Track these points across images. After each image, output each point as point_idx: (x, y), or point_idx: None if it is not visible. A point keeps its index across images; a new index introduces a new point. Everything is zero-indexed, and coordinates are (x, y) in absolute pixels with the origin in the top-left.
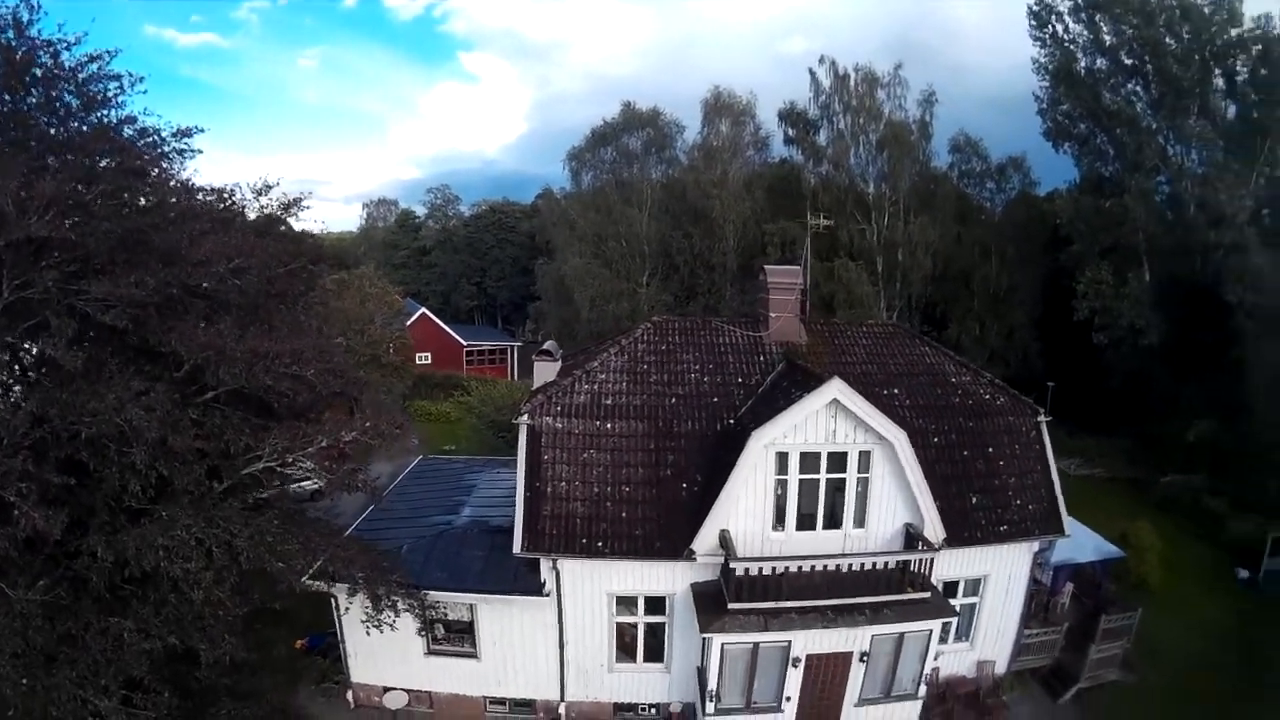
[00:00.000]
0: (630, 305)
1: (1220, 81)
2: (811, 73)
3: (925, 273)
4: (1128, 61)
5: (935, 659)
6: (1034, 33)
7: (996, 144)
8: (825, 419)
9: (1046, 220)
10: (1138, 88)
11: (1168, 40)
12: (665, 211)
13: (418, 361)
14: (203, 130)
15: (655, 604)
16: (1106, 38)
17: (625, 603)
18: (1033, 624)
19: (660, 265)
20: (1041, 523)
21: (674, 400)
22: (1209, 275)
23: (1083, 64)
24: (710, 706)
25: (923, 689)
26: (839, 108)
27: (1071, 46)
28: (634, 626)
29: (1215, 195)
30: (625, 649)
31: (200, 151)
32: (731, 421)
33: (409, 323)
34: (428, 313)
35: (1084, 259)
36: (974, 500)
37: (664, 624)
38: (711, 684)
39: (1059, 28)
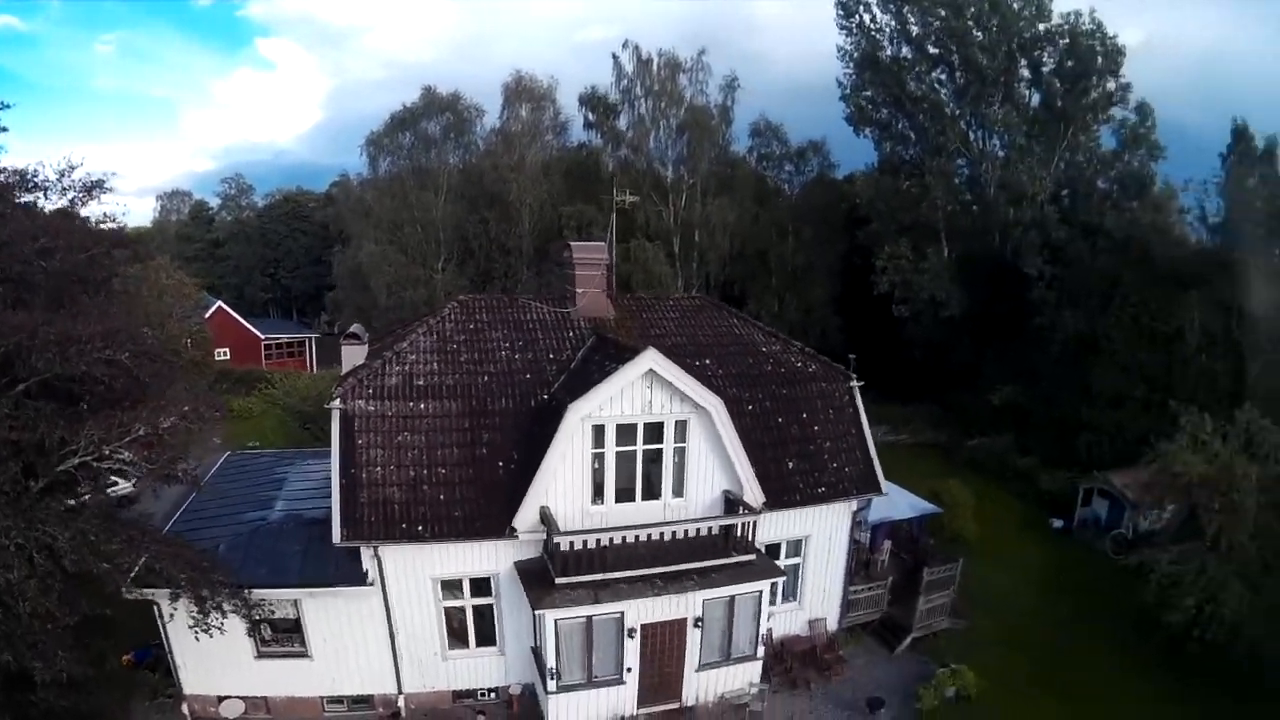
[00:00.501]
0: (427, 291)
1: (1026, 72)
2: (615, 58)
3: (723, 252)
4: (933, 51)
5: (768, 620)
6: (841, 21)
7: (795, 130)
8: (641, 390)
9: (845, 201)
10: (942, 76)
11: (975, 32)
12: (462, 197)
13: (216, 357)
14: (7, 106)
15: (480, 585)
16: (914, 28)
17: (450, 586)
18: (856, 581)
19: (456, 250)
20: (859, 483)
21: (486, 378)
22: (1009, 251)
23: (888, 52)
24: (551, 684)
25: (760, 649)
26: (641, 92)
27: (878, 35)
28: (462, 610)
29: (1018, 177)
30: (457, 634)
31: (5, 129)
32: (545, 397)
33: (206, 316)
34: (224, 306)
35: (883, 236)
36: (791, 464)
37: (492, 605)
38: (550, 661)
39: (866, 17)
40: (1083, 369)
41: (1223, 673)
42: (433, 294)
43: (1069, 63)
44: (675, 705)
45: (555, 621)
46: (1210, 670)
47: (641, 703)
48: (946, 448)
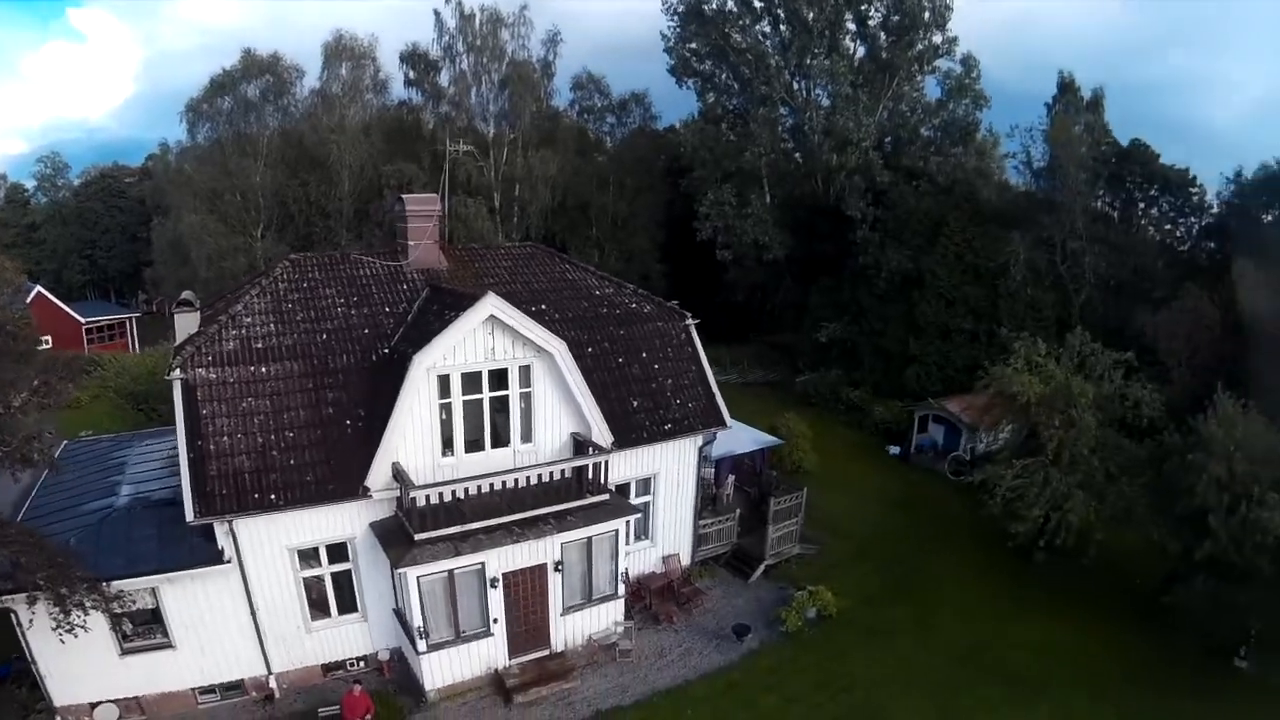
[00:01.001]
0: (247, 260)
1: (852, 25)
2: (436, 14)
3: (545, 205)
4: (759, 4)
5: (625, 559)
6: None
7: (620, 84)
8: (483, 336)
9: (667, 151)
10: (767, 27)
11: None
12: (282, 161)
13: (41, 346)
14: None
15: (337, 551)
16: None
17: (307, 556)
18: (705, 516)
19: (276, 216)
20: (703, 417)
21: (325, 336)
22: (832, 195)
23: (714, 4)
24: (421, 644)
25: (621, 588)
26: (463, 48)
27: None
28: (321, 580)
29: (843, 124)
30: (318, 605)
31: None
32: (386, 351)
33: (27, 303)
34: (43, 291)
35: (706, 184)
36: (635, 404)
37: (350, 571)
38: (416, 620)
39: None
40: (909, 304)
41: (1069, 577)
42: (253, 262)
43: (895, 17)
44: (545, 652)
45: (417, 579)
46: (1056, 577)
47: (512, 653)
48: (776, 385)
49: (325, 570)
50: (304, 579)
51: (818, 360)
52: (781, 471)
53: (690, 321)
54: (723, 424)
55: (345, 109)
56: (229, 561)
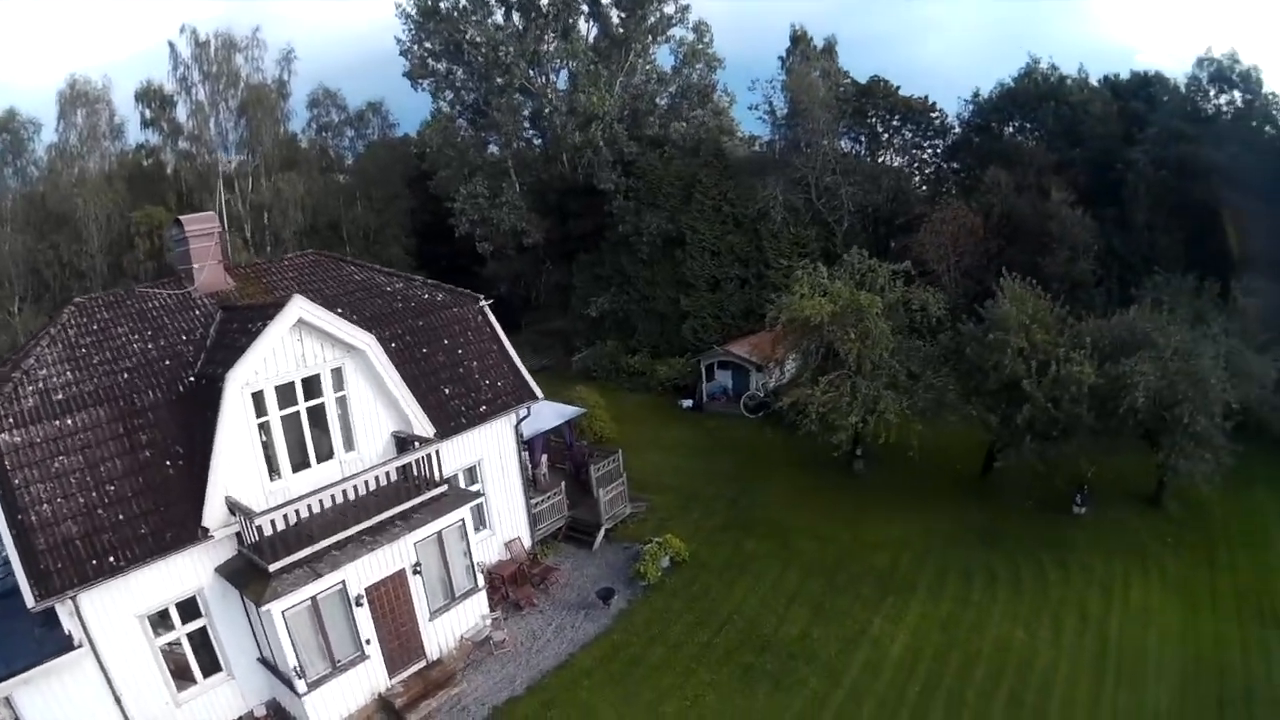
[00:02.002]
0: (9, 337)
1: (585, 6)
2: (171, 45)
3: (298, 227)
4: None
5: (480, 563)
6: None
7: (353, 96)
8: (293, 343)
9: (412, 156)
10: (500, 19)
11: None
12: (29, 224)
13: None
14: None
15: (188, 609)
16: None
17: (159, 621)
18: (532, 494)
19: (32, 286)
20: (515, 394)
21: (126, 375)
22: (580, 173)
23: (447, 2)
24: (300, 685)
25: (480, 579)
26: (199, 77)
27: None
28: (179, 643)
29: (587, 101)
30: (181, 674)
31: None
32: (192, 379)
33: None
34: None
35: (454, 182)
36: (448, 391)
37: (205, 628)
38: (289, 660)
39: None
40: (674, 263)
41: (894, 477)
42: (14, 339)
43: None
44: (423, 662)
45: (283, 613)
46: (881, 480)
47: (392, 671)
48: (555, 369)
49: (180, 632)
50: (161, 647)
51: (592, 335)
52: (585, 440)
53: (484, 303)
54: (534, 397)
55: (85, 159)
56: (80, 646)
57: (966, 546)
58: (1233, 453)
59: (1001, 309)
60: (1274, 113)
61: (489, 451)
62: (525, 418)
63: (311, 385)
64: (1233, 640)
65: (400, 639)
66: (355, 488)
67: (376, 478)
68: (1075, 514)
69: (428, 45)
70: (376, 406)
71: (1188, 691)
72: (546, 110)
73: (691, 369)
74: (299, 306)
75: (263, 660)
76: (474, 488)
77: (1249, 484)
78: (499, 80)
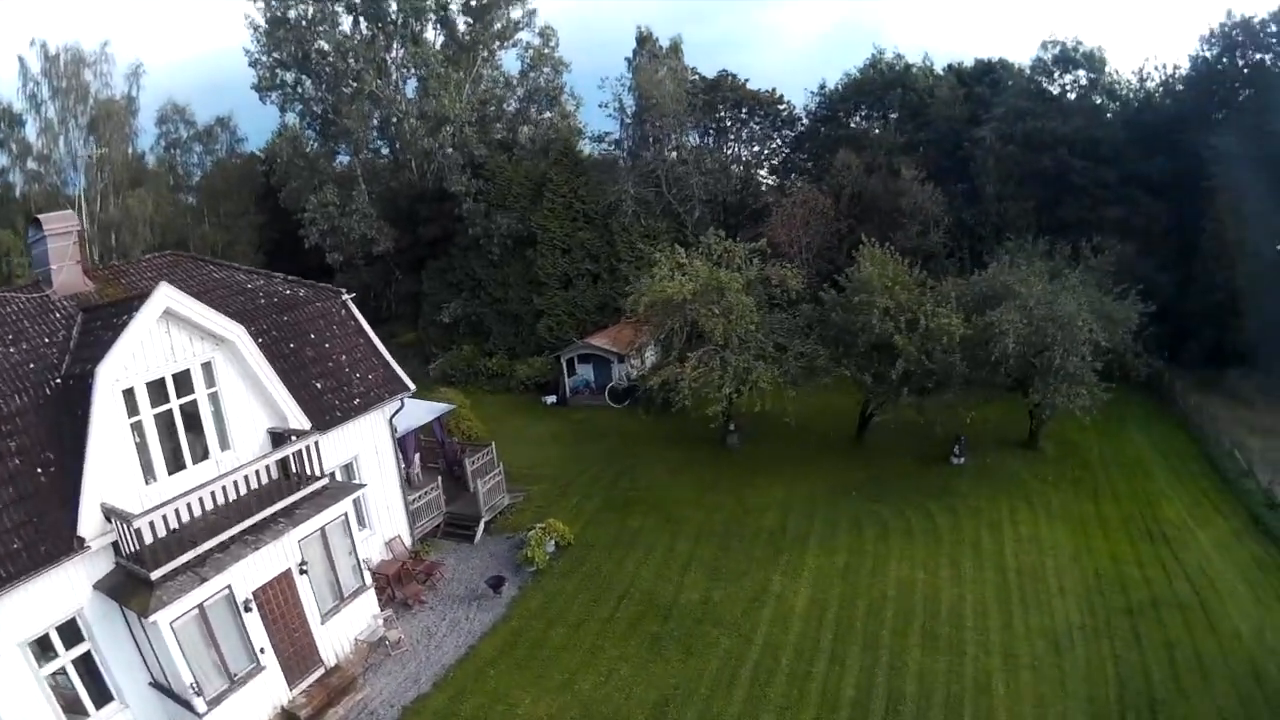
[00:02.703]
0: None
1: (433, 14)
2: (21, 60)
3: (148, 246)
4: (337, 8)
5: (366, 560)
6: None
7: (204, 114)
8: (161, 335)
9: (257, 173)
10: (347, 28)
11: None
12: None
13: None
14: None
15: (70, 632)
16: None
17: (43, 648)
18: (408, 492)
19: None
20: (387, 386)
21: None
22: (430, 178)
23: (295, 12)
24: (200, 704)
25: (367, 576)
26: (48, 93)
27: None
28: (66, 675)
29: (437, 105)
30: (74, 708)
31: None
32: (59, 380)
33: None
34: None
35: (303, 192)
36: (319, 385)
37: (90, 652)
38: (184, 677)
39: None
40: (526, 263)
41: (773, 444)
42: None
43: (474, 1)
44: (321, 669)
45: (171, 624)
46: (759, 451)
47: (291, 681)
48: (412, 378)
49: (65, 659)
50: (48, 679)
51: (447, 342)
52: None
53: (347, 297)
54: (406, 388)
55: None
56: None
57: (852, 501)
58: (1105, 389)
59: (864, 272)
60: (1116, 88)
61: (365, 447)
62: (400, 409)
63: (183, 381)
64: (1129, 558)
65: (294, 645)
66: (235, 483)
67: (256, 473)
68: (955, 464)
69: (276, 55)
70: (250, 402)
71: (1095, 605)
72: (395, 119)
73: (552, 366)
74: (166, 295)
75: (155, 684)
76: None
77: (1121, 424)
78: (347, 89)
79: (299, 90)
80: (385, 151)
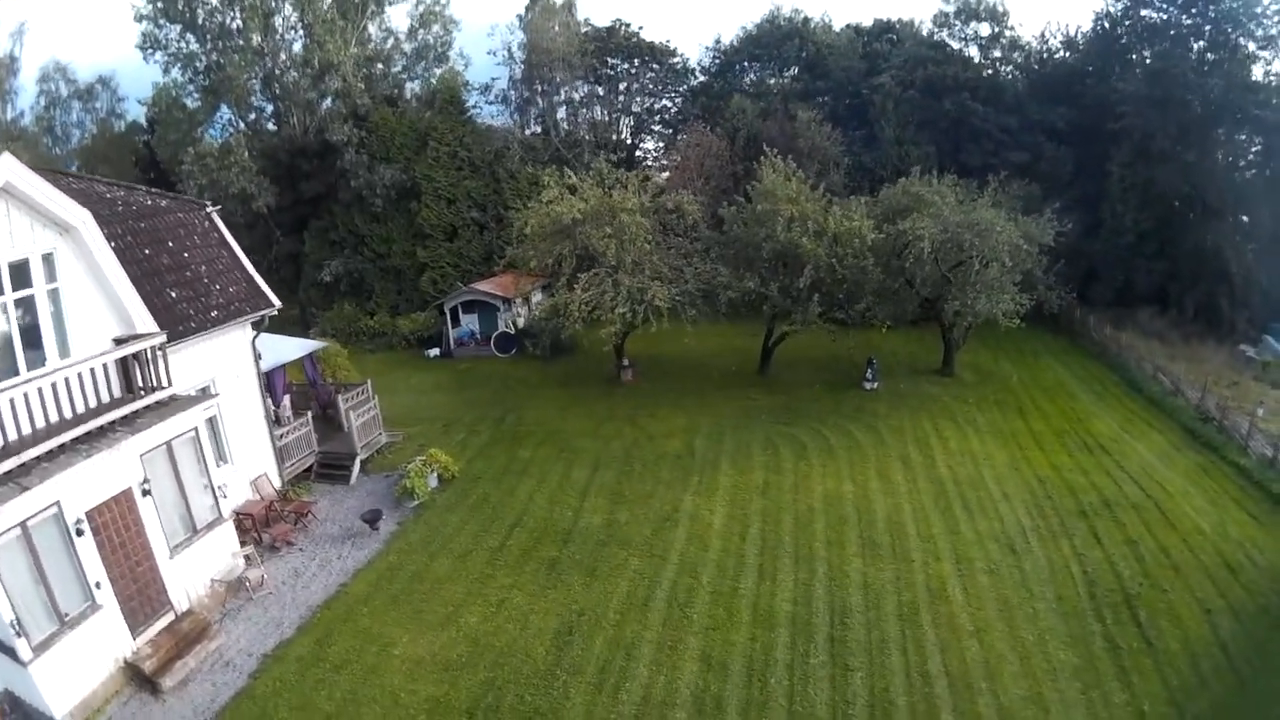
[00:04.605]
0: None
1: None
2: None
3: None
4: None
5: (221, 486)
6: None
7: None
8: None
9: (138, 135)
10: None
11: None
12: None
13: None
14: None
15: None
16: None
17: None
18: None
19: None
20: (249, 300)
21: None
22: (312, 130)
23: None
24: (24, 649)
25: (225, 507)
26: None
27: None
28: None
29: (324, 53)
30: None
31: None
32: None
33: None
34: None
35: (182, 144)
36: (174, 294)
37: None
38: (6, 613)
39: None
40: (409, 215)
41: (670, 380)
42: None
43: None
44: (171, 615)
45: None
46: (656, 388)
47: (134, 627)
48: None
49: None
50: None
51: (328, 303)
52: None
53: (211, 210)
54: (270, 305)
55: None
56: None
57: (764, 425)
58: (1020, 306)
59: (766, 182)
60: (1018, 39)
61: (224, 370)
62: (263, 327)
63: (20, 273)
64: (1070, 467)
65: (138, 583)
66: (67, 382)
67: (93, 374)
68: (868, 389)
69: (160, 4)
70: (95, 304)
71: (1045, 509)
72: (279, 73)
73: (435, 319)
74: (7, 167)
75: None
76: (209, 412)
77: (1035, 356)
78: (231, 43)
79: (182, 48)
80: (269, 109)
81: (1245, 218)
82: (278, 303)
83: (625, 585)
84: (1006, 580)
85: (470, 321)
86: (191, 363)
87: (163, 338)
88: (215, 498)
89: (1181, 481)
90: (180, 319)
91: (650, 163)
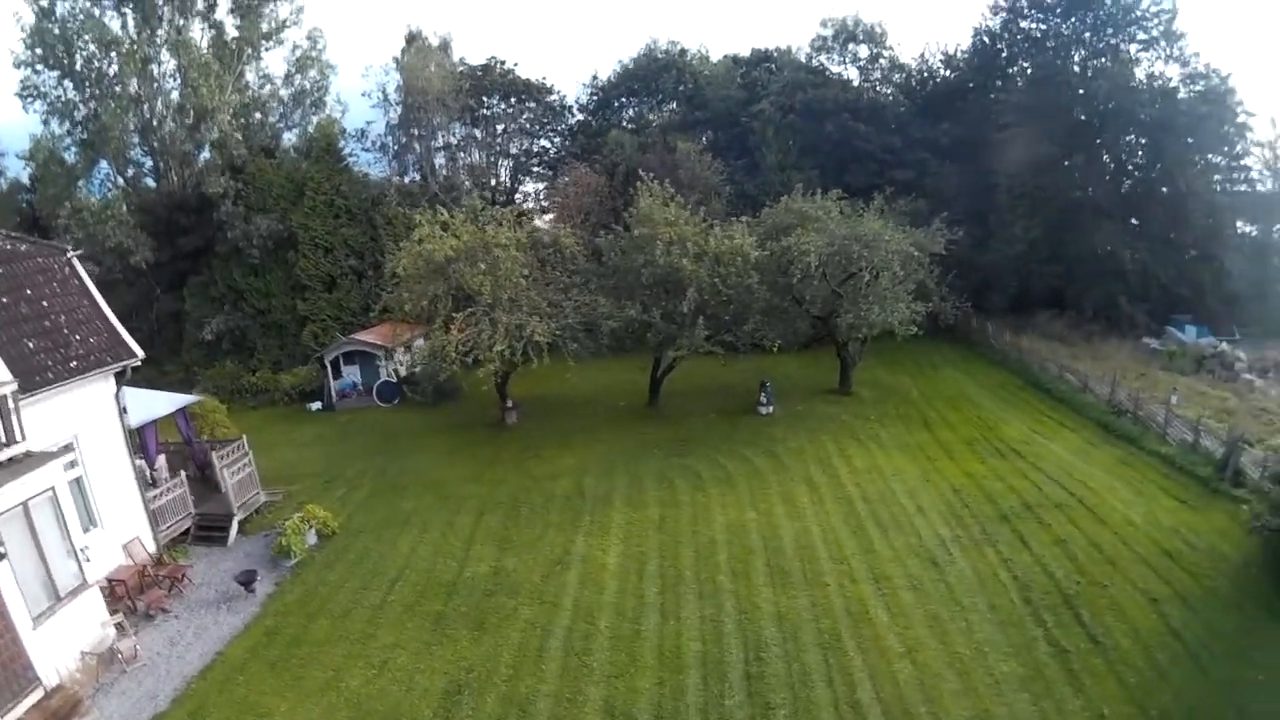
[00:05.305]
0: None
1: (202, 4)
2: None
3: None
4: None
5: (84, 550)
6: None
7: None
8: None
9: (16, 191)
10: (117, 29)
11: None
12: None
13: None
14: None
15: None
16: None
17: None
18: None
19: None
20: (111, 351)
21: None
22: (189, 184)
23: (62, 8)
24: None
25: (90, 570)
26: None
27: None
28: None
29: (200, 100)
30: None
31: None
32: None
33: None
34: None
35: (60, 198)
36: (32, 345)
37: None
38: None
39: None
40: (287, 267)
41: (556, 419)
42: None
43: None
44: (39, 692)
45: None
46: (544, 429)
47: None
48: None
49: None
50: None
51: (210, 362)
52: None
53: (73, 254)
54: (132, 354)
55: None
56: None
57: (657, 458)
58: (917, 315)
59: (643, 207)
60: (897, 58)
61: (87, 427)
62: (126, 380)
63: None
64: (984, 474)
65: (0, 658)
66: None
67: None
68: (763, 413)
69: (38, 51)
70: None
71: (963, 517)
72: (156, 122)
73: (318, 373)
74: None
75: None
76: (74, 473)
77: (934, 367)
78: (108, 88)
79: (61, 96)
80: (148, 163)
81: (1135, 221)
82: (140, 352)
83: (516, 636)
84: (932, 595)
85: (352, 373)
86: (50, 417)
87: (14, 385)
88: (79, 563)
89: (1103, 476)
90: (37, 370)
91: (531, 205)
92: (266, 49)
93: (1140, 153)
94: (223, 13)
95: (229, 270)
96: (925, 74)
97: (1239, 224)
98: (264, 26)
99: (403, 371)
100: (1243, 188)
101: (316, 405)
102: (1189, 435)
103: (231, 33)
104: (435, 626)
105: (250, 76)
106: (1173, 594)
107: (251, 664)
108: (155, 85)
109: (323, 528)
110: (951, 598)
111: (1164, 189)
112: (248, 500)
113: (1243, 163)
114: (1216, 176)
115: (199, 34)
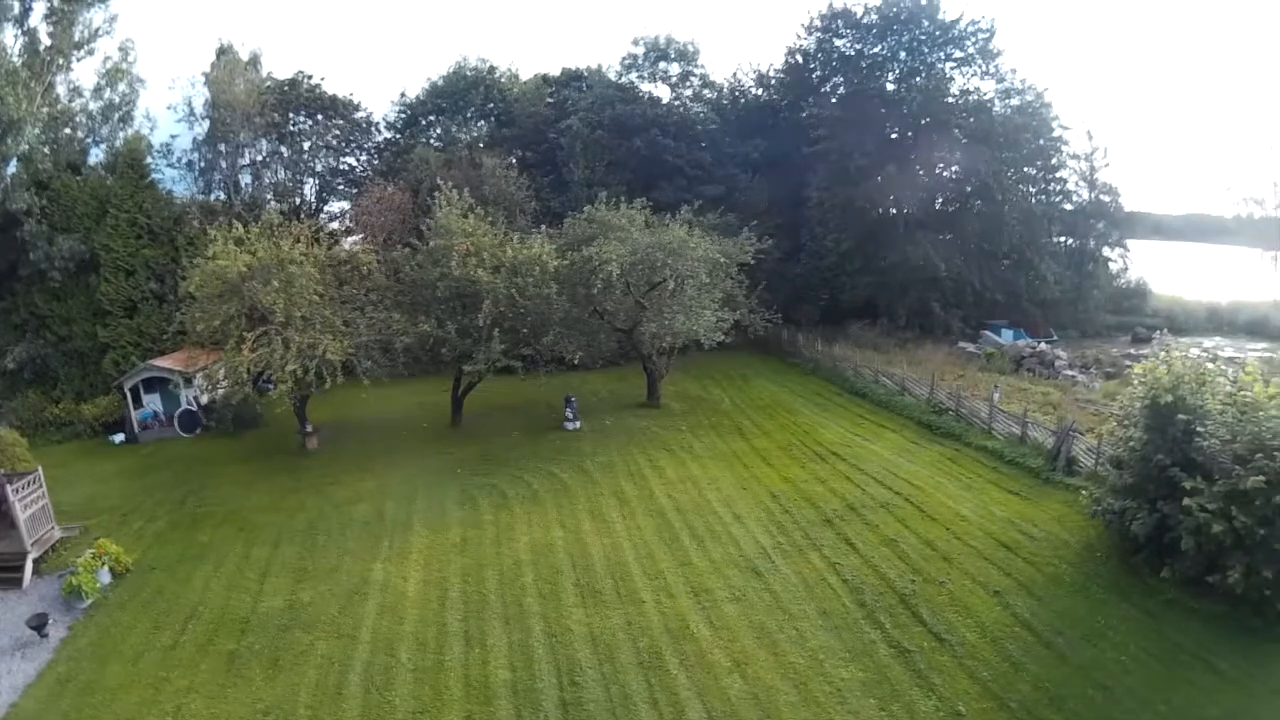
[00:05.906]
0: None
1: (17, 8)
2: None
3: None
4: None
5: None
6: None
7: None
8: None
9: None
10: None
11: None
12: None
13: None
14: None
15: None
16: None
17: None
18: None
19: None
20: None
21: None
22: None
23: None
24: None
25: None
26: None
27: None
28: None
29: (6, 106)
30: None
31: None
32: None
33: None
34: None
35: None
36: None
37: None
38: None
39: None
40: (89, 291)
41: (352, 444)
42: None
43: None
44: None
45: None
46: (339, 450)
47: None
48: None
49: None
50: None
51: (14, 390)
52: None
53: None
54: None
55: None
56: None
57: (459, 479)
58: (724, 320)
59: (441, 218)
60: (708, 76)
61: None
62: None
63: None
64: (804, 478)
65: None
66: None
67: None
68: (570, 429)
69: None
70: None
71: (784, 523)
72: None
73: (119, 404)
74: None
75: None
76: None
77: (745, 380)
78: None
79: None
80: None
81: (948, 233)
82: None
83: (313, 674)
84: (757, 605)
85: (152, 401)
86: None
87: None
88: None
89: (929, 473)
90: None
91: (335, 225)
92: (78, 59)
93: (955, 165)
94: (37, 18)
95: (31, 295)
96: (737, 92)
97: (1054, 233)
98: (77, 35)
99: (204, 399)
100: (1058, 199)
101: (119, 437)
102: (1016, 429)
103: (45, 40)
104: (229, 667)
105: (60, 89)
106: (1015, 585)
107: (45, 716)
108: None
109: (115, 564)
110: (778, 606)
111: (979, 200)
112: (42, 536)
113: (1059, 175)
114: (1032, 189)
115: (12, 40)
